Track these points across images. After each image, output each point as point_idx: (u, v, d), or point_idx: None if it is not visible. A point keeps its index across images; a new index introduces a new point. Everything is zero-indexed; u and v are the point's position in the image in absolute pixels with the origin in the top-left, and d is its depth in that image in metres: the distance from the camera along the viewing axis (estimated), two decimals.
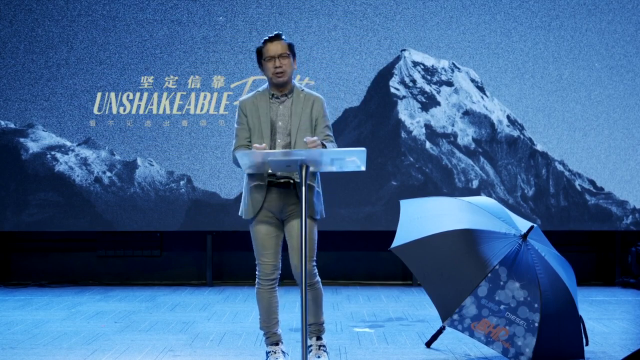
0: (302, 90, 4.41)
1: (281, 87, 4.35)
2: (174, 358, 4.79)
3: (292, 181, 4.29)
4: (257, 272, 4.41)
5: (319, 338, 4.55)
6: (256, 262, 4.40)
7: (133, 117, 7.66)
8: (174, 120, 7.67)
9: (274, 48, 4.29)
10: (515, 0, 7.67)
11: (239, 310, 6.43)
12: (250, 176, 4.34)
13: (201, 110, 7.66)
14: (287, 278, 4.59)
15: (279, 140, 4.32)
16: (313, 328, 4.53)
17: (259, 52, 4.36)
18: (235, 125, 4.45)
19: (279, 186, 4.31)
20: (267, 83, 4.42)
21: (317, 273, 4.44)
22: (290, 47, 4.35)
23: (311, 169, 4.00)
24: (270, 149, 4.29)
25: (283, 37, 4.35)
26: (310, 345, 4.50)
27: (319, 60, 7.59)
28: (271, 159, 3.98)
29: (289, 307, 6.30)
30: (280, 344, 4.49)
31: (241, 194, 4.55)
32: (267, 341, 4.49)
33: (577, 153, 7.72)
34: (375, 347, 5.10)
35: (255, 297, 4.49)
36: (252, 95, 4.43)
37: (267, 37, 4.35)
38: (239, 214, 4.47)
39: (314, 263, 4.40)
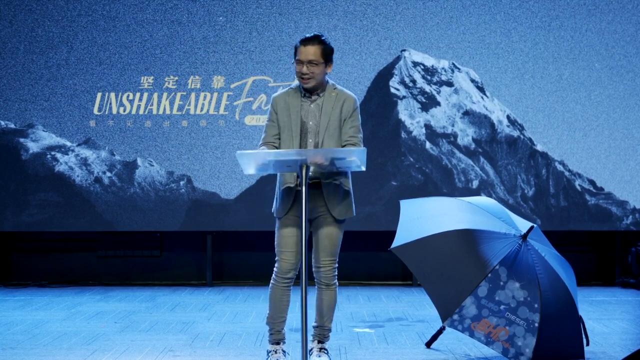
0: (335, 88, 4.33)
1: (311, 89, 4.28)
2: (174, 358, 4.79)
3: (319, 181, 4.23)
4: (274, 268, 4.39)
5: (320, 342, 4.52)
6: (276, 259, 4.39)
7: (133, 118, 7.66)
8: (174, 120, 7.67)
9: (305, 52, 4.17)
10: (515, 1, 7.67)
11: (239, 311, 6.43)
12: (283, 176, 4.27)
13: (201, 110, 7.66)
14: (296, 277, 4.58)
15: (310, 140, 4.25)
16: (317, 331, 4.50)
17: (295, 49, 4.25)
18: (266, 121, 4.39)
19: (310, 186, 4.20)
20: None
21: (337, 276, 4.43)
22: (325, 53, 4.21)
23: (311, 169, 4.00)
24: (301, 148, 4.23)
25: (322, 38, 4.22)
26: (312, 349, 4.47)
27: None
28: (271, 159, 3.97)
29: (291, 307, 6.28)
30: (282, 343, 4.49)
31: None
32: (270, 339, 4.49)
33: (577, 153, 7.72)
34: (375, 347, 5.10)
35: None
36: (285, 92, 4.35)
37: (304, 37, 4.23)
38: (272, 210, 4.42)
39: (336, 265, 4.40)
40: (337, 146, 4.25)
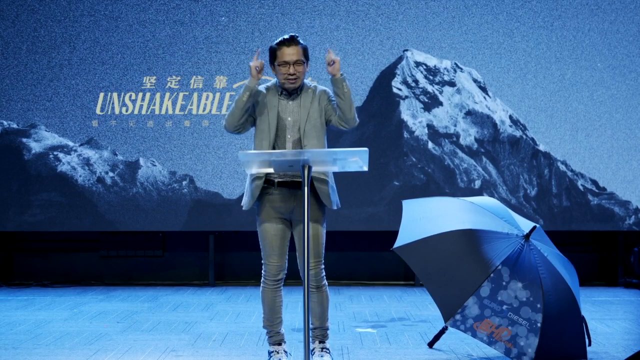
0: (310, 86, 4.36)
1: (294, 90, 4.31)
2: (177, 358, 4.79)
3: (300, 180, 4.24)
4: (263, 272, 4.40)
5: (322, 342, 4.51)
6: (262, 262, 4.39)
7: (135, 118, 7.67)
8: (176, 120, 7.68)
9: (290, 53, 4.18)
10: (517, 1, 7.67)
11: (242, 311, 6.44)
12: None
13: (203, 110, 7.66)
14: (290, 278, 4.58)
15: (289, 136, 4.27)
16: (317, 332, 4.49)
17: (272, 53, 4.25)
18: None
19: (289, 186, 4.26)
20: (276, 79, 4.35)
21: (325, 276, 4.43)
22: (305, 52, 4.25)
23: (314, 169, 3.99)
24: (278, 145, 4.25)
25: (299, 39, 4.24)
26: (313, 349, 4.47)
27: (321, 60, 7.56)
28: (274, 159, 3.96)
29: (292, 308, 6.30)
30: (282, 343, 4.49)
31: (244, 194, 4.55)
32: (270, 340, 4.49)
33: (579, 153, 7.72)
34: (377, 347, 5.10)
35: (258, 296, 4.49)
36: (265, 87, 4.38)
37: (282, 39, 4.22)
38: (242, 203, 4.45)
39: (322, 266, 4.39)
40: (319, 139, 4.27)
